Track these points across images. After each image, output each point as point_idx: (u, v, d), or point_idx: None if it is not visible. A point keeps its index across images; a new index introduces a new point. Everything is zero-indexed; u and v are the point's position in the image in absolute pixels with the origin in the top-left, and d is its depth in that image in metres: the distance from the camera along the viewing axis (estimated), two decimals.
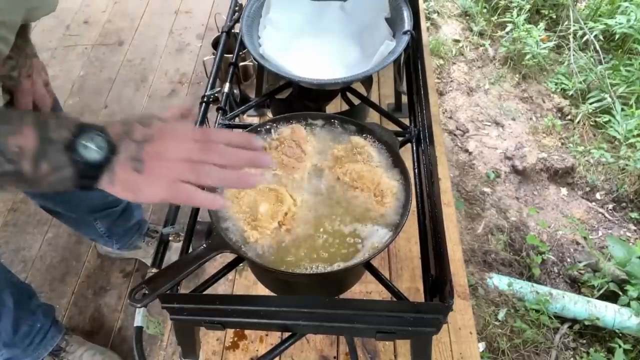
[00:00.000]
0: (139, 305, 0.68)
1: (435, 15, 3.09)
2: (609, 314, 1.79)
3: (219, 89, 1.11)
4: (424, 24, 2.24)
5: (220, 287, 1.48)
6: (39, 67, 1.02)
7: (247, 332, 1.38)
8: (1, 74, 0.92)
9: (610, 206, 2.25)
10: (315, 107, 1.19)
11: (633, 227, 2.16)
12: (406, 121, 1.05)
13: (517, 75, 2.77)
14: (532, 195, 2.29)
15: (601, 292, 1.89)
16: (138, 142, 0.55)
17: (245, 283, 1.49)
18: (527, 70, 2.76)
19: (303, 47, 1.15)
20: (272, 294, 0.92)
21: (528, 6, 2.95)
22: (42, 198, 1.29)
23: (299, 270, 0.72)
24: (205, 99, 1.07)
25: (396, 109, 1.76)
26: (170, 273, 0.71)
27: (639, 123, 2.35)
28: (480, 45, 2.94)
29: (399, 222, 0.76)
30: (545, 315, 1.79)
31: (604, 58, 2.64)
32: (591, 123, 2.51)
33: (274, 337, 1.37)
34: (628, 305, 1.81)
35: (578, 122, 2.51)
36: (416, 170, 0.93)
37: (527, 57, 2.74)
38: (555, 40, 2.84)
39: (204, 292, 0.81)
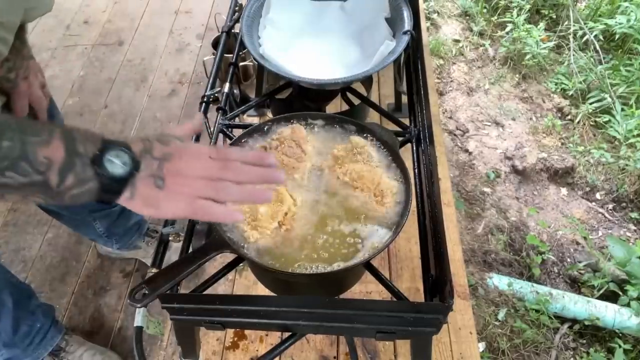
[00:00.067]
0: (139, 305, 0.68)
1: (435, 15, 3.09)
2: (609, 314, 1.79)
3: (219, 89, 1.11)
4: (424, 24, 2.24)
5: (220, 287, 1.48)
6: (36, 68, 1.02)
7: (247, 332, 1.38)
8: None
9: (610, 206, 2.25)
10: (315, 107, 1.19)
11: (633, 227, 2.16)
12: (406, 121, 1.05)
13: (517, 75, 2.77)
14: (532, 195, 2.29)
15: (601, 292, 1.89)
16: (159, 159, 0.57)
17: (245, 283, 1.49)
18: (527, 70, 2.76)
19: (303, 47, 1.15)
20: (272, 294, 0.92)
21: (528, 6, 2.95)
22: None
23: (299, 270, 0.72)
24: (205, 99, 1.07)
25: (396, 109, 1.76)
26: (170, 273, 0.71)
27: (639, 123, 2.35)
28: (480, 45, 2.94)
29: (399, 222, 0.76)
30: (545, 315, 1.79)
31: (604, 58, 2.64)
32: (591, 123, 2.51)
33: (274, 337, 1.37)
34: (628, 305, 1.81)
35: (578, 122, 2.51)
36: (416, 170, 0.93)
37: (527, 57, 2.74)
38: (555, 40, 2.84)
39: (204, 292, 0.81)
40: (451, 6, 3.16)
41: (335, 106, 1.46)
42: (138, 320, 0.73)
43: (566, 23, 2.86)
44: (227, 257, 0.79)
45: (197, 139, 0.94)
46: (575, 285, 1.99)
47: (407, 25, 1.07)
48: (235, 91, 1.19)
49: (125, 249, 1.58)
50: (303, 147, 0.85)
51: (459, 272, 1.44)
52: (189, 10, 2.68)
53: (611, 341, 1.78)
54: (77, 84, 2.28)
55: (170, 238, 0.85)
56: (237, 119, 1.10)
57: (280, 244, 0.75)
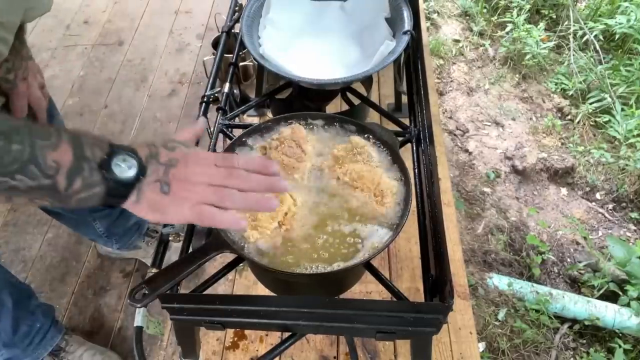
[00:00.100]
0: (139, 305, 0.68)
1: (435, 15, 3.09)
2: (609, 314, 1.79)
3: (219, 89, 1.11)
4: (424, 24, 2.24)
5: (220, 287, 1.48)
6: (35, 69, 1.02)
7: (247, 332, 1.38)
8: None
9: (610, 206, 2.25)
10: (315, 107, 1.19)
11: (633, 227, 2.16)
12: (406, 121, 1.05)
13: (517, 75, 2.77)
14: (532, 195, 2.29)
15: (601, 292, 1.89)
16: (165, 165, 0.58)
17: (245, 283, 1.49)
18: (527, 70, 2.76)
19: (303, 47, 1.15)
20: (272, 294, 0.92)
21: (528, 6, 2.95)
22: None
23: (299, 270, 0.72)
24: (205, 99, 1.07)
25: (396, 109, 1.76)
26: (170, 273, 0.71)
27: (639, 123, 2.35)
28: (480, 45, 2.94)
29: (399, 222, 0.76)
30: (545, 315, 1.79)
31: (604, 58, 2.64)
32: (591, 123, 2.51)
33: (274, 337, 1.37)
34: (628, 305, 1.81)
35: (578, 122, 2.51)
36: (416, 170, 0.93)
37: (527, 57, 2.74)
38: (555, 40, 2.84)
39: (204, 292, 0.81)
40: (451, 6, 3.16)
41: (335, 106, 1.46)
42: (138, 320, 0.73)
43: (566, 23, 2.86)
44: (227, 257, 0.79)
45: (197, 141, 0.94)
46: (575, 285, 1.99)
47: (407, 25, 1.07)
48: (235, 91, 1.19)
49: (125, 249, 1.58)
50: (303, 147, 0.85)
51: (459, 272, 1.44)
52: (189, 10, 2.68)
53: (611, 341, 1.78)
54: (77, 84, 2.28)
55: (170, 238, 0.85)
56: (237, 119, 1.10)
57: (280, 244, 0.75)
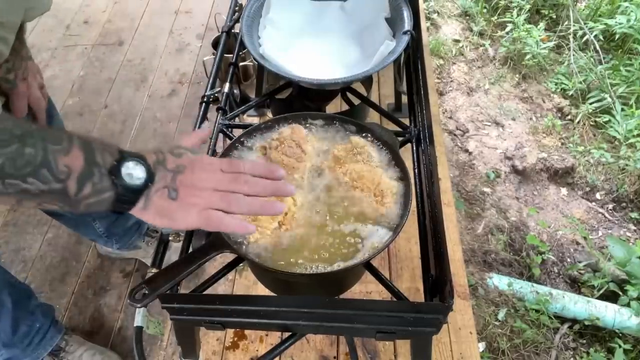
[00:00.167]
0: (139, 305, 0.68)
1: (435, 15, 3.09)
2: (609, 314, 1.79)
3: (219, 89, 1.11)
4: (424, 24, 2.24)
5: (220, 287, 1.48)
6: (34, 69, 1.03)
7: (247, 332, 1.38)
8: None
9: (610, 206, 2.25)
10: (315, 107, 1.19)
11: (633, 227, 2.16)
12: (406, 121, 1.05)
13: (517, 75, 2.77)
14: (532, 195, 2.29)
15: (601, 292, 1.89)
16: (172, 171, 0.59)
17: (245, 283, 1.49)
18: (527, 70, 2.76)
19: (303, 47, 1.15)
20: (272, 294, 0.92)
21: (528, 6, 2.95)
22: None
23: (299, 270, 0.72)
24: (205, 99, 1.07)
25: (396, 109, 1.76)
26: (170, 273, 0.71)
27: (639, 123, 2.35)
28: (480, 45, 2.94)
29: (399, 222, 0.76)
30: (545, 315, 1.79)
31: (604, 58, 2.64)
32: (591, 123, 2.51)
33: (274, 337, 1.37)
34: (628, 305, 1.81)
35: (578, 122, 2.51)
36: (416, 170, 0.93)
37: (527, 57, 2.74)
38: (555, 40, 2.84)
39: (204, 292, 0.81)
40: (451, 6, 3.16)
41: (335, 106, 1.46)
42: (138, 320, 0.73)
43: (566, 23, 2.86)
44: (227, 257, 0.79)
45: None
46: (575, 285, 1.99)
47: (407, 25, 1.07)
48: (235, 91, 1.19)
49: (125, 249, 1.58)
50: (303, 147, 0.85)
51: (459, 272, 1.44)
52: (189, 10, 2.68)
53: (611, 341, 1.78)
54: (77, 84, 2.28)
55: (170, 238, 0.85)
56: (237, 119, 1.10)
57: (280, 244, 0.75)
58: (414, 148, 0.97)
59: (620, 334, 1.78)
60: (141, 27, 2.58)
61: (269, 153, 0.85)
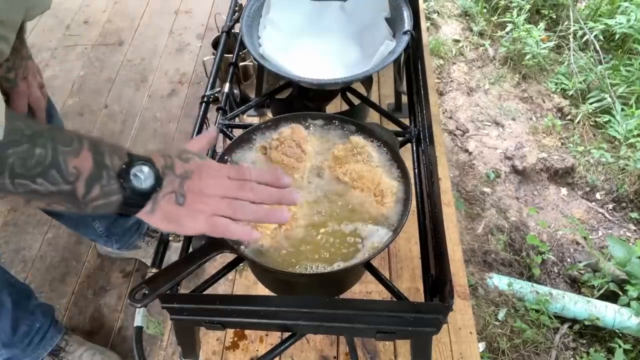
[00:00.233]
0: (139, 305, 0.68)
1: (435, 15, 3.09)
2: (609, 314, 1.79)
3: (219, 89, 1.11)
4: (424, 24, 2.24)
5: (220, 287, 1.48)
6: (34, 69, 1.03)
7: (247, 332, 1.38)
8: None
9: (610, 206, 2.25)
10: (315, 107, 1.19)
11: (633, 227, 2.16)
12: (406, 121, 1.05)
13: (517, 75, 2.77)
14: (532, 195, 2.29)
15: (601, 292, 1.89)
16: (180, 176, 0.59)
17: (245, 283, 1.49)
18: (527, 70, 2.76)
19: (303, 47, 1.15)
20: (272, 294, 0.92)
21: (528, 6, 2.95)
22: None
23: (299, 270, 0.72)
24: (205, 99, 1.07)
25: (396, 109, 1.76)
26: (170, 273, 0.71)
27: (639, 123, 2.35)
28: (480, 45, 2.94)
29: (399, 222, 0.76)
30: (545, 315, 1.79)
31: (604, 58, 2.64)
32: (591, 123, 2.51)
33: (274, 337, 1.37)
34: (628, 305, 1.81)
35: (578, 122, 2.51)
36: (416, 170, 0.93)
37: (527, 57, 2.74)
38: (555, 40, 2.84)
39: (204, 292, 0.81)
40: (451, 6, 3.16)
41: (335, 106, 1.46)
42: (138, 320, 0.73)
43: (566, 23, 2.86)
44: (227, 257, 0.79)
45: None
46: (575, 285, 1.99)
47: (407, 25, 1.07)
48: (235, 91, 1.19)
49: (125, 249, 1.58)
50: (303, 147, 0.85)
51: (459, 272, 1.44)
52: (189, 10, 2.68)
53: (611, 341, 1.78)
54: (77, 84, 2.28)
55: (170, 238, 0.85)
56: (237, 119, 1.10)
57: (280, 244, 0.75)
58: (414, 148, 0.97)
59: (620, 334, 1.78)
60: (141, 27, 2.58)
61: (269, 153, 0.85)
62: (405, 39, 1.04)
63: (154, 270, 0.79)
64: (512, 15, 2.89)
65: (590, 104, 2.52)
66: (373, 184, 0.79)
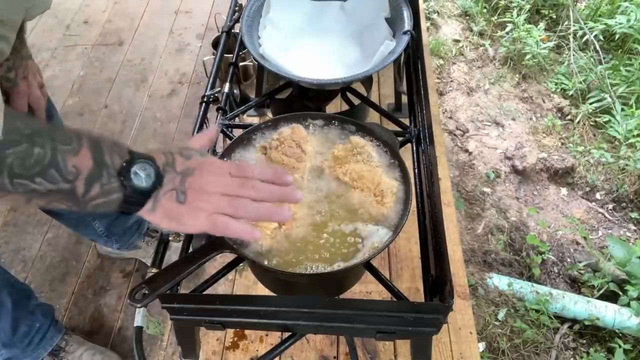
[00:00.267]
0: (139, 305, 0.68)
1: (435, 15, 3.09)
2: (609, 314, 1.79)
3: (219, 89, 1.11)
4: (424, 24, 2.24)
5: (220, 287, 1.48)
6: (34, 69, 1.03)
7: (247, 332, 1.38)
8: None
9: (610, 206, 2.25)
10: (315, 107, 1.19)
11: (633, 227, 2.16)
12: (406, 121, 1.05)
13: (517, 75, 2.77)
14: (532, 195, 2.29)
15: (601, 292, 1.89)
16: (181, 174, 0.58)
17: (245, 283, 1.49)
18: (527, 70, 2.76)
19: (303, 47, 1.15)
20: (272, 294, 0.92)
21: (528, 6, 2.95)
22: None
23: (299, 270, 0.72)
24: (205, 99, 1.07)
25: (396, 109, 1.76)
26: (170, 273, 0.71)
27: (639, 123, 2.35)
28: (480, 45, 2.94)
29: (399, 222, 0.76)
30: (545, 315, 1.79)
31: (604, 58, 2.64)
32: (591, 123, 2.51)
33: (274, 337, 1.37)
34: (628, 305, 1.81)
35: (578, 122, 2.51)
36: (416, 170, 0.93)
37: (527, 57, 2.74)
38: (555, 40, 2.84)
39: (204, 292, 0.81)
40: (451, 6, 3.16)
41: (335, 106, 1.46)
42: (138, 320, 0.73)
43: (566, 23, 2.86)
44: (227, 257, 0.79)
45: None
46: (575, 285, 1.99)
47: (407, 25, 1.07)
48: (235, 91, 1.19)
49: (125, 249, 1.58)
50: (303, 147, 0.85)
51: (459, 272, 1.44)
52: (189, 10, 2.68)
53: (611, 341, 1.78)
54: (77, 84, 2.28)
55: (170, 238, 0.85)
56: (237, 119, 1.10)
57: (281, 244, 0.75)
58: (414, 148, 0.97)
59: (620, 334, 1.78)
60: (141, 27, 2.58)
61: (269, 153, 0.85)
62: (405, 39, 1.04)
63: (154, 270, 0.79)
64: (512, 15, 2.89)
65: (590, 104, 2.52)
66: (373, 184, 0.79)
